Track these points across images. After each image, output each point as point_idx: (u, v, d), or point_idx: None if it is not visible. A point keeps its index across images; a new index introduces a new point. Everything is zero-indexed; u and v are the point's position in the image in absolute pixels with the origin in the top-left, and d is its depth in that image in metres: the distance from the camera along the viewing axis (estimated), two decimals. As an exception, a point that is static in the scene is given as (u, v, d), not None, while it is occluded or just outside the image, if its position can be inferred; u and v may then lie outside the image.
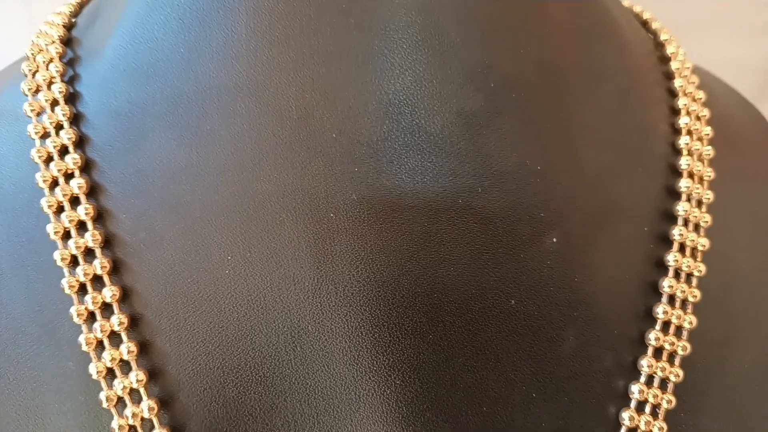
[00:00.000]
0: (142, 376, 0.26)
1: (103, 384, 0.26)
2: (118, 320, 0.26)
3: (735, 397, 0.30)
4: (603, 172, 0.29)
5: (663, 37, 0.35)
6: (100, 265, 0.27)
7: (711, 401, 0.29)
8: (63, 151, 0.28)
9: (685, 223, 0.29)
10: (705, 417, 0.29)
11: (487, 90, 0.27)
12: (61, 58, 0.30)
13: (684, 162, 0.30)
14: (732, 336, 0.30)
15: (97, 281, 0.27)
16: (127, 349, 0.26)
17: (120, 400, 0.26)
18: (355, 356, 0.26)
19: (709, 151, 0.31)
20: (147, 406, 0.26)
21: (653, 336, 0.28)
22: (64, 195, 0.27)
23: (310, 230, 0.26)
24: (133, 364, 0.26)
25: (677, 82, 0.32)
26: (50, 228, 0.27)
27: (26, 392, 0.27)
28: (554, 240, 0.28)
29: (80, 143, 0.28)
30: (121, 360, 0.26)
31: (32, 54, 0.30)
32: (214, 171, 0.27)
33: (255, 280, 0.26)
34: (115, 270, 0.27)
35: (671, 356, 0.28)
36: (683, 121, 0.31)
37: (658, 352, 0.28)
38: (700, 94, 0.33)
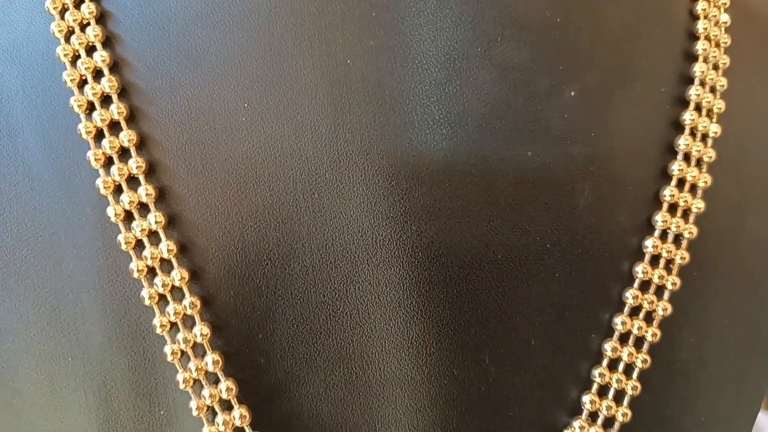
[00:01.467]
0: (161, 218, 0.26)
1: (122, 227, 0.26)
2: (135, 164, 0.26)
3: (748, 263, 0.30)
4: (623, 31, 0.29)
5: None
6: (117, 110, 0.26)
7: (724, 263, 0.29)
8: (78, 2, 0.28)
9: (702, 84, 0.29)
10: (717, 278, 0.29)
11: None
12: None
13: (701, 26, 0.30)
14: (747, 201, 0.30)
15: (114, 127, 0.27)
16: (145, 191, 0.26)
17: (139, 242, 0.26)
18: (372, 203, 0.26)
19: (726, 18, 0.31)
20: (166, 248, 0.26)
21: (668, 193, 0.28)
22: (80, 44, 0.27)
23: (327, 77, 0.26)
24: (152, 206, 0.26)
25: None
26: (66, 76, 0.27)
27: (44, 239, 0.27)
28: (572, 93, 0.27)
29: (95, -6, 0.28)
30: (140, 203, 0.26)
31: None
32: (230, 18, 0.27)
33: (272, 127, 0.26)
34: (132, 117, 0.27)
35: (686, 213, 0.29)
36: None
37: (672, 209, 0.28)
38: None
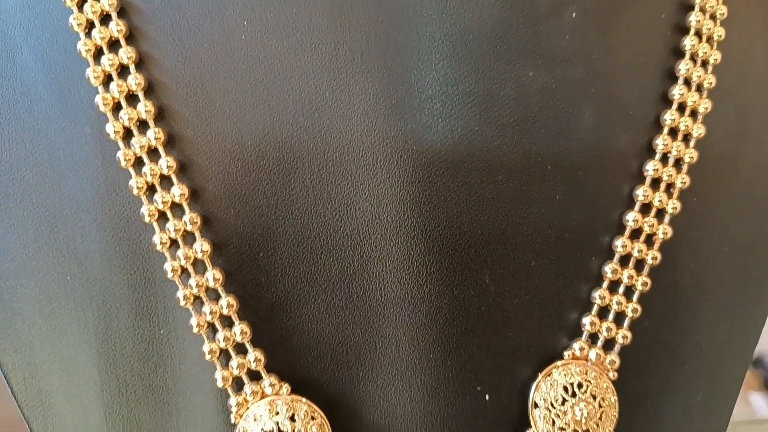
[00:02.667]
0: (160, 134, 0.26)
1: (121, 144, 0.26)
2: (135, 81, 0.26)
3: (747, 189, 0.30)
4: None
5: None
6: (116, 28, 0.26)
7: (724, 189, 0.29)
8: None
9: (702, 11, 0.29)
10: (717, 204, 0.29)
11: None
12: None
13: (701, -46, 0.30)
14: (746, 127, 0.30)
15: (113, 46, 0.26)
16: (145, 108, 0.26)
17: (138, 160, 0.26)
18: (373, 122, 0.26)
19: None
20: (165, 164, 0.26)
21: (669, 117, 0.28)
22: (77, -37, 0.27)
23: None
24: (151, 123, 0.26)
25: None
26: (65, -8, 0.27)
27: (43, 158, 0.27)
28: (573, 15, 0.27)
29: None
30: (139, 120, 0.26)
31: None
32: None
33: (271, 46, 0.26)
34: (132, 36, 0.27)
35: (686, 138, 0.29)
36: None
37: (673, 133, 0.28)
38: None
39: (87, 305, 0.27)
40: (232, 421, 0.26)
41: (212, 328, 0.26)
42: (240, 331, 0.26)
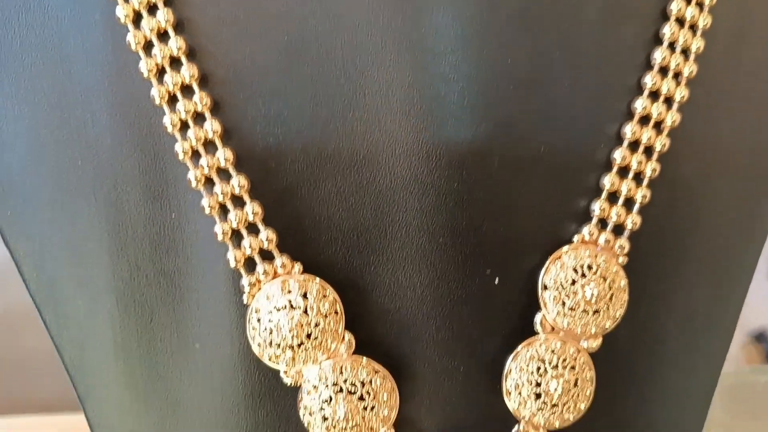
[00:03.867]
0: (170, 15, 0.26)
1: (131, 27, 0.26)
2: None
3: (751, 84, 0.30)
4: None
5: None
6: None
7: (728, 81, 0.30)
8: None
9: None
10: (722, 95, 0.29)
11: None
12: None
13: None
14: (748, 24, 0.30)
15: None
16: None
17: (148, 43, 0.26)
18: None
19: None
20: (176, 45, 0.26)
21: (675, 7, 0.28)
22: None
23: None
24: (160, 5, 0.26)
25: None
26: None
27: (53, 44, 0.27)
28: None
29: None
30: (148, 2, 0.26)
31: None
32: None
33: None
34: None
35: (692, 28, 0.29)
36: None
37: (679, 23, 0.28)
38: None
39: (98, 189, 0.27)
40: (245, 301, 0.26)
41: (224, 210, 0.26)
42: (252, 210, 0.26)
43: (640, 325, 0.29)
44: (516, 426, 0.28)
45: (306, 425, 0.27)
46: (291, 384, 0.27)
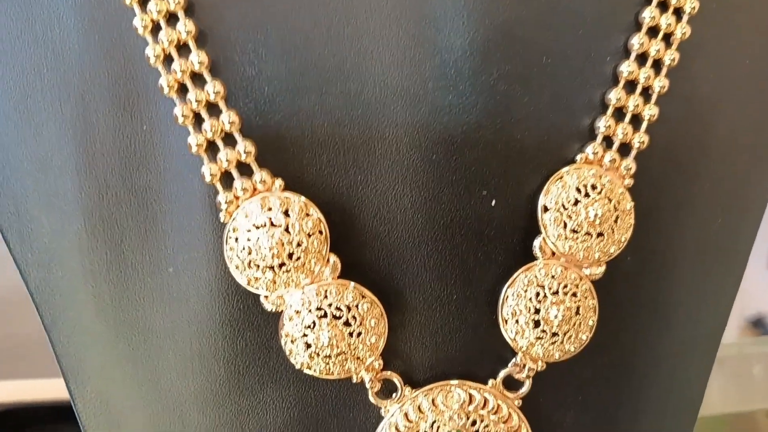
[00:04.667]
0: None
1: None
2: None
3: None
4: None
5: None
6: None
7: (738, 11, 0.27)
8: None
9: None
10: (737, 5, 0.27)
11: None
12: None
13: None
14: None
15: None
16: None
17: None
18: None
19: None
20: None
21: None
22: None
23: None
24: None
25: None
26: None
27: None
28: None
29: None
30: None
31: None
32: None
33: None
34: None
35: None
36: None
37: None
38: None
39: (65, 100, 0.25)
40: (222, 219, 0.24)
41: (198, 120, 0.24)
42: (228, 119, 0.24)
43: (647, 253, 0.27)
44: (513, 359, 0.26)
45: (288, 353, 0.25)
46: (272, 310, 0.25)
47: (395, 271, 0.26)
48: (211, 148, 0.24)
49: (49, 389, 0.57)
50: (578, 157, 0.26)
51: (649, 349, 0.28)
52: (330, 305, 0.24)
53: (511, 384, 0.26)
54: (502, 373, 0.26)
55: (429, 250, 0.25)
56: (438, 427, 0.25)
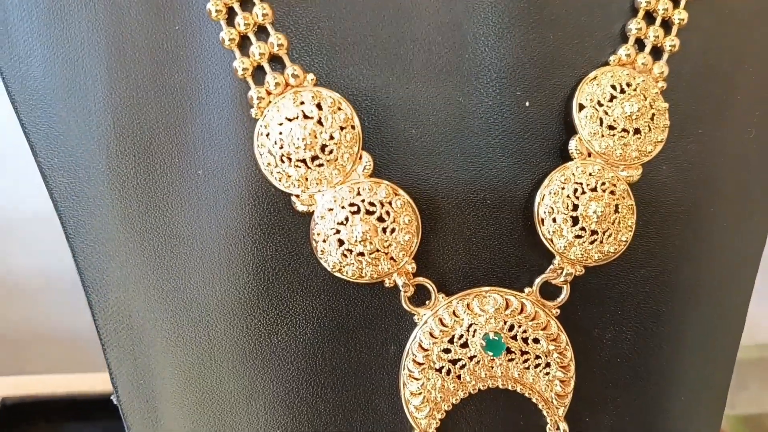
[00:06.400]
0: None
1: None
2: None
3: None
4: None
5: None
6: None
7: None
8: None
9: None
10: None
11: None
12: None
13: None
14: None
15: None
16: None
17: None
18: None
19: None
20: None
21: None
22: None
23: None
24: None
25: None
26: None
27: None
28: None
29: None
30: None
31: None
32: None
33: None
34: None
35: None
36: None
37: None
38: None
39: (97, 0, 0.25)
40: (253, 115, 0.24)
41: (231, 14, 0.24)
42: (261, 12, 0.24)
43: (683, 162, 0.26)
44: (551, 264, 0.25)
45: (319, 254, 0.24)
46: (303, 211, 0.24)
47: (427, 175, 0.25)
48: (244, 42, 0.24)
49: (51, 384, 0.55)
50: (611, 59, 0.25)
51: (689, 263, 0.27)
52: (363, 201, 0.24)
53: (549, 294, 0.25)
54: (538, 279, 0.25)
55: (462, 154, 0.25)
56: (474, 331, 0.24)
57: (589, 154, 0.25)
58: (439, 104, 0.25)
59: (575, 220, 0.24)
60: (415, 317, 0.25)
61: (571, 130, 0.25)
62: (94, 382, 0.55)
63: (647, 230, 0.26)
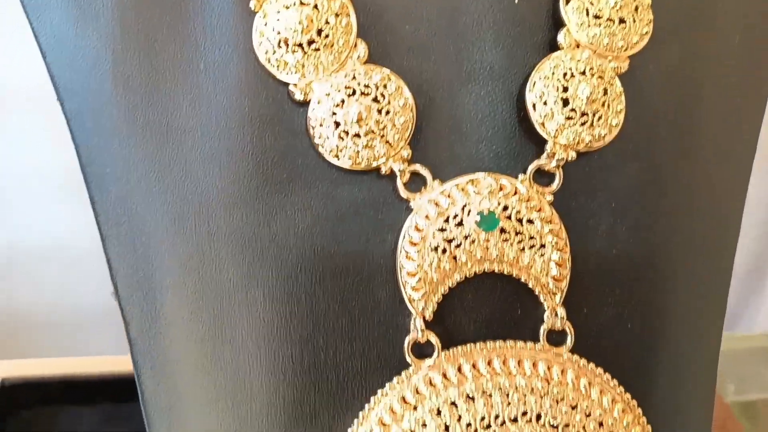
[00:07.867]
0: None
1: None
2: None
3: None
4: None
5: None
6: None
7: None
8: None
9: None
10: None
11: None
12: None
13: None
14: None
15: None
16: None
17: None
18: None
19: None
20: None
21: None
22: None
23: None
24: None
25: None
26: None
27: None
28: None
29: None
30: None
31: None
32: None
33: None
34: None
35: None
36: None
37: None
38: None
39: None
40: (252, 8, 0.25)
41: None
42: None
43: (671, 59, 0.27)
44: (544, 150, 0.26)
45: (317, 138, 0.25)
46: (301, 99, 0.25)
47: (419, 67, 0.26)
48: (243, -62, 0.25)
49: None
50: (595, -45, 0.27)
51: (681, 161, 0.27)
52: (359, 84, 0.25)
53: (542, 184, 0.26)
54: (531, 165, 0.26)
55: (454, 48, 0.26)
56: (469, 211, 0.25)
57: (578, 46, 0.26)
58: (431, 1, 0.26)
59: (565, 102, 0.25)
60: (411, 203, 0.25)
61: (559, 26, 0.26)
62: (93, 365, 0.55)
63: (637, 126, 0.27)
